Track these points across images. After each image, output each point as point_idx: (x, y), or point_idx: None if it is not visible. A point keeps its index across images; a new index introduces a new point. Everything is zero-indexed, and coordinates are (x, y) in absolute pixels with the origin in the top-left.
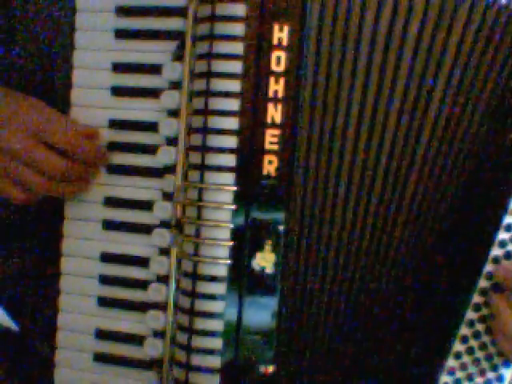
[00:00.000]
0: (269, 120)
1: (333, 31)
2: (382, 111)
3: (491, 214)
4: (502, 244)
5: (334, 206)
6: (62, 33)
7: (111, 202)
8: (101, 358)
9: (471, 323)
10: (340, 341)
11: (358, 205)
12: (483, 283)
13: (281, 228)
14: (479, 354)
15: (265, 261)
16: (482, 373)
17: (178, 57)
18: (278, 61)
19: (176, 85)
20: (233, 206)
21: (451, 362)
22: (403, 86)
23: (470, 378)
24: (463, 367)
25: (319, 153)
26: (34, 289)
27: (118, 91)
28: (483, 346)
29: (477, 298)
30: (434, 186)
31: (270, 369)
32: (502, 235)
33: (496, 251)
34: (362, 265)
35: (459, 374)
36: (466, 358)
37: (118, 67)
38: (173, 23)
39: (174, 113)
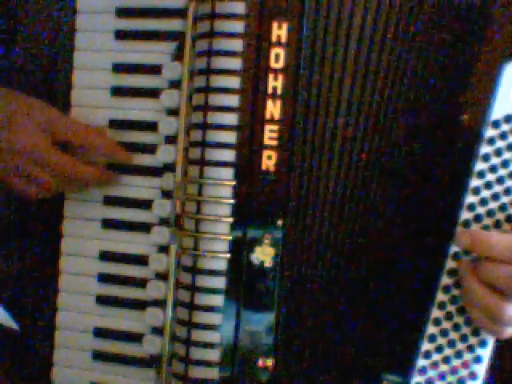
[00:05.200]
0: (268, 116)
1: (330, 29)
2: (378, 109)
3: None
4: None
5: (333, 201)
6: (62, 33)
7: (110, 201)
8: (100, 356)
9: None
10: (340, 341)
11: (356, 202)
12: (451, 264)
13: (280, 222)
14: (453, 336)
15: (264, 255)
16: (459, 355)
17: (178, 57)
18: (277, 58)
19: (175, 84)
20: (232, 201)
21: (427, 345)
22: (402, 86)
23: (446, 360)
24: (438, 350)
25: (317, 148)
26: (33, 289)
27: (117, 91)
28: (456, 327)
29: (446, 280)
30: (433, 179)
31: (269, 362)
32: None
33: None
34: (360, 263)
35: (435, 357)
36: (440, 340)
37: (118, 68)
38: (172, 24)
39: (173, 112)
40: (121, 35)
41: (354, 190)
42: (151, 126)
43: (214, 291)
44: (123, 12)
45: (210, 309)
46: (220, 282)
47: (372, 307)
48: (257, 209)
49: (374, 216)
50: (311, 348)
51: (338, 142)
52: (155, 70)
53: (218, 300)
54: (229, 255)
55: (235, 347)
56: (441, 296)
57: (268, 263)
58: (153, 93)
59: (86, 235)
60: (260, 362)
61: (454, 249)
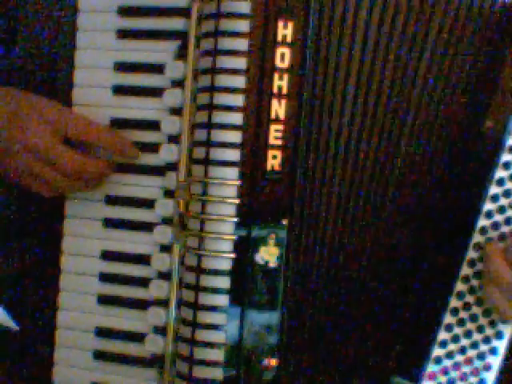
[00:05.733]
0: (273, 115)
1: (335, 29)
2: (385, 109)
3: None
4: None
5: (338, 201)
6: (62, 33)
7: (112, 200)
8: (101, 356)
9: (460, 295)
10: (341, 341)
11: (358, 203)
12: (472, 254)
13: (284, 222)
14: (470, 326)
15: (268, 255)
16: (475, 346)
17: (180, 56)
18: (283, 57)
19: (178, 83)
20: (237, 201)
21: (443, 335)
22: (403, 86)
23: (462, 351)
24: (455, 339)
25: (322, 148)
26: (33, 289)
27: (119, 90)
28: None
29: (466, 270)
30: (433, 179)
31: (274, 362)
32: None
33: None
34: (362, 264)
35: (451, 347)
36: (457, 330)
37: (120, 67)
38: (174, 23)
39: (176, 111)
40: (123, 34)
41: (359, 190)
42: (153, 125)
43: (218, 291)
44: (125, 11)
45: (215, 309)
46: (224, 282)
47: (373, 307)
48: (262, 208)
49: (378, 216)
50: (313, 348)
51: (343, 141)
52: (157, 69)
53: (222, 300)
54: (233, 255)
55: (239, 347)
56: (460, 286)
57: (273, 263)
58: (155, 92)
59: (88, 234)
60: (264, 362)
61: (476, 239)
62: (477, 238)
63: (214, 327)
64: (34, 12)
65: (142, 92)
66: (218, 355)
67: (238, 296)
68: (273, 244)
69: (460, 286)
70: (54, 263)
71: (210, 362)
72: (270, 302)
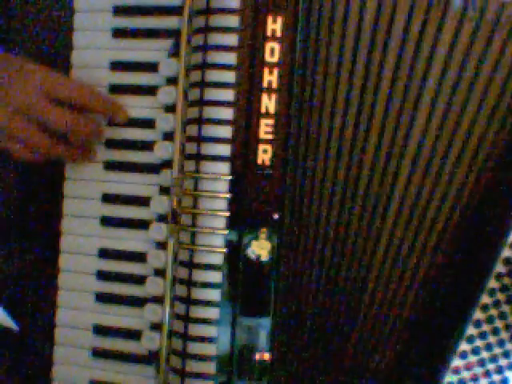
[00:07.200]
0: (263, 110)
1: (325, 23)
2: (381, 108)
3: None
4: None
5: (330, 196)
6: (61, 33)
7: (109, 198)
8: (99, 353)
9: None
10: (340, 341)
11: (353, 201)
12: (499, 268)
13: (276, 216)
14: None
15: (260, 249)
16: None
17: (174, 54)
18: (272, 52)
19: (172, 81)
20: (228, 195)
21: (464, 346)
22: (405, 86)
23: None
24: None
25: (313, 142)
26: (33, 289)
27: (115, 89)
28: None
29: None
30: (432, 176)
31: (266, 356)
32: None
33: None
34: (360, 263)
35: (464, 374)
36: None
37: (116, 66)
38: (169, 22)
39: (170, 108)
40: (118, 33)
41: (355, 186)
42: (149, 123)
43: (210, 285)
44: (120, 10)
45: (207, 303)
46: (217, 277)
47: (372, 307)
48: (253, 203)
49: (376, 215)
50: (312, 348)
51: (335, 136)
52: (152, 67)
53: (214, 294)
54: (225, 249)
55: (233, 339)
56: (485, 299)
57: (265, 257)
58: (150, 90)
59: (85, 233)
60: (257, 357)
61: (505, 254)
62: (506, 252)
63: (206, 322)
64: (33, 12)
65: (137, 90)
66: (210, 350)
67: (231, 292)
68: (264, 238)
69: (485, 299)
70: (53, 263)
71: (203, 356)
72: (263, 297)
